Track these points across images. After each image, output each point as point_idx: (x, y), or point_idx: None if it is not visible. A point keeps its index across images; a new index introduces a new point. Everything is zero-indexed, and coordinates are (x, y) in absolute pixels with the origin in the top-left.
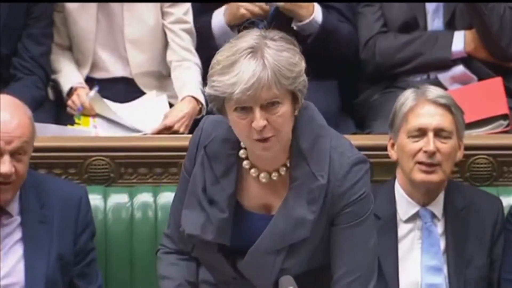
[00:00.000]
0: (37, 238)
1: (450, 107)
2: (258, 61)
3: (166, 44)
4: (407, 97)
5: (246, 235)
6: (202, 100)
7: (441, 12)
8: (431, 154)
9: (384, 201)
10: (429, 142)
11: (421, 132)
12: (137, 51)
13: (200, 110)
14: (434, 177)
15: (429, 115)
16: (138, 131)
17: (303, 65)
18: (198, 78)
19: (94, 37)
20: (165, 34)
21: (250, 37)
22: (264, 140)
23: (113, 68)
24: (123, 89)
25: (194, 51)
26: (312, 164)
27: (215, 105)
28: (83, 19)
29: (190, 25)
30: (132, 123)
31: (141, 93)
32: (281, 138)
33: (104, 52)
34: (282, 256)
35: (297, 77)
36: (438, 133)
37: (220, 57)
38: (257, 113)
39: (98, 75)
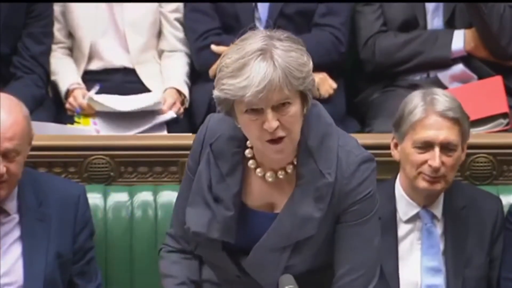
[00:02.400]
0: (35, 236)
1: (458, 119)
2: (269, 63)
3: (160, 31)
4: (416, 105)
5: (250, 233)
6: (186, 92)
7: (441, 11)
8: (436, 169)
9: (384, 201)
10: (435, 158)
11: (427, 145)
12: (136, 35)
13: (183, 102)
14: (437, 186)
15: (436, 129)
16: (141, 119)
17: (311, 64)
18: (186, 69)
19: (93, 24)
20: (160, 21)
21: (257, 38)
22: (277, 141)
23: (113, 56)
24: (123, 80)
25: (185, 40)
26: (320, 162)
27: (224, 107)
28: (83, 5)
29: (182, 14)
30: (132, 107)
31: (141, 84)
32: (292, 138)
33: (103, 39)
34: (287, 254)
35: (306, 77)
36: (444, 147)
37: (228, 60)
38: (269, 114)
39: (97, 65)
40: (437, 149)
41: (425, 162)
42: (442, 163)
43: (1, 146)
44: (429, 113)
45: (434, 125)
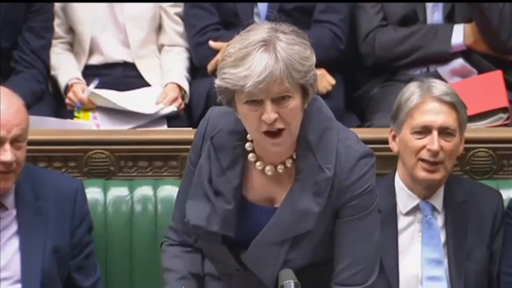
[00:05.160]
0: (33, 231)
1: (455, 104)
2: (271, 55)
3: (160, 26)
4: (413, 92)
5: (250, 227)
6: (186, 88)
7: (440, 5)
8: (435, 153)
9: (384, 194)
10: (434, 141)
11: (426, 130)
12: (136, 29)
13: (183, 97)
14: (437, 175)
15: (434, 113)
16: (142, 114)
17: (314, 59)
18: (187, 64)
19: (94, 18)
20: (160, 15)
21: (262, 30)
22: (275, 134)
23: (113, 51)
24: (123, 75)
25: (185, 35)
26: (319, 156)
27: (224, 97)
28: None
29: (182, 9)
30: (134, 108)
31: (141, 78)
32: (291, 132)
33: (104, 34)
34: (286, 248)
35: (308, 71)
36: (443, 131)
37: (232, 49)
38: (268, 106)
39: (98, 60)
40: (435, 133)
41: (424, 147)
42: (441, 148)
43: (11, 133)
44: (426, 99)
45: (431, 109)
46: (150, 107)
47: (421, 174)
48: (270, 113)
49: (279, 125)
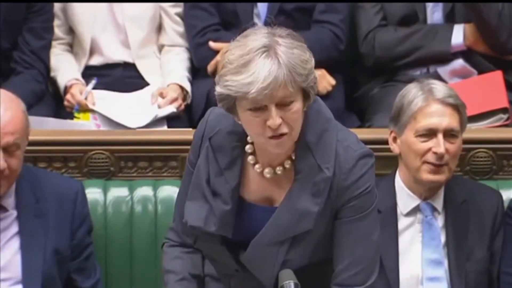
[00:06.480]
0: (33, 233)
1: (458, 106)
2: (273, 60)
3: (160, 26)
4: (415, 95)
5: (249, 228)
6: (188, 88)
7: (440, 5)
8: (441, 156)
9: (384, 195)
10: (440, 144)
11: (431, 132)
12: (136, 30)
13: (185, 98)
14: (441, 177)
15: (439, 116)
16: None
17: (313, 62)
18: (188, 64)
19: (93, 19)
20: (160, 15)
21: (260, 35)
22: (278, 136)
23: (113, 51)
24: (124, 75)
25: (185, 35)
26: (318, 156)
27: (225, 104)
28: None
29: (182, 9)
30: (127, 121)
31: (141, 79)
32: (294, 135)
33: (104, 34)
34: (285, 248)
35: (309, 74)
36: (447, 133)
37: (232, 56)
38: (273, 111)
39: (98, 61)
40: (440, 136)
41: (429, 150)
42: (446, 150)
43: (2, 140)
44: (430, 101)
45: (436, 112)
46: (147, 115)
47: (426, 176)
48: (275, 118)
49: (284, 129)
